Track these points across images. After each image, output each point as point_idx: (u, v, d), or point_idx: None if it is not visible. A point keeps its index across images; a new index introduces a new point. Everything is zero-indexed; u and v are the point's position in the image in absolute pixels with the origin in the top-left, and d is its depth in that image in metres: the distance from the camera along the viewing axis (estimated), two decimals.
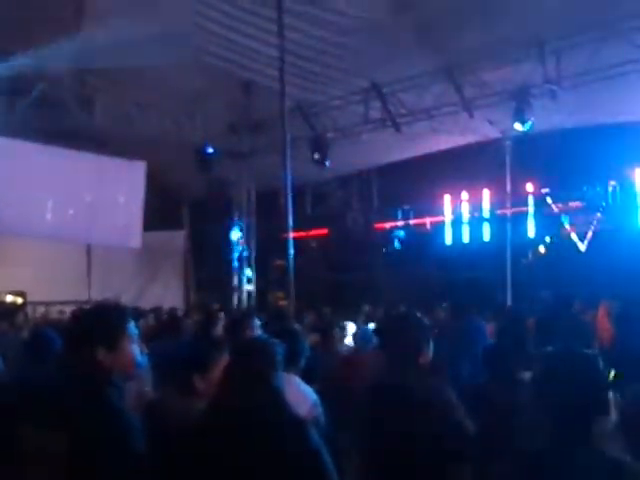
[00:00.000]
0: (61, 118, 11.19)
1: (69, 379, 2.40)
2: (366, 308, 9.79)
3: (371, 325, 7.23)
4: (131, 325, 2.58)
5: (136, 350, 2.56)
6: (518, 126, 10.57)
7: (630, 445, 2.08)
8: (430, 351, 3.48)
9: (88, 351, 2.43)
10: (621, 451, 2.06)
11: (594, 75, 9.69)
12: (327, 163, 12.92)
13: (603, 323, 8.10)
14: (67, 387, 2.36)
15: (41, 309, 13.20)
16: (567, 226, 14.81)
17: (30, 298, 13.97)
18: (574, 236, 14.69)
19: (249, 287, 15.08)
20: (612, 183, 13.99)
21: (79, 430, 2.24)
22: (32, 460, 2.27)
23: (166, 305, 12.79)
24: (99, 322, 2.54)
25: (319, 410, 3.50)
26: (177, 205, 17.00)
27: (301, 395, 3.40)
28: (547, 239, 15.11)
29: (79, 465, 2.24)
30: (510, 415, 3.61)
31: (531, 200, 15.12)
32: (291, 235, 9.79)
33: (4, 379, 3.97)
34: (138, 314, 10.31)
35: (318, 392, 3.68)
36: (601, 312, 8.56)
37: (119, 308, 2.73)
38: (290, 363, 3.13)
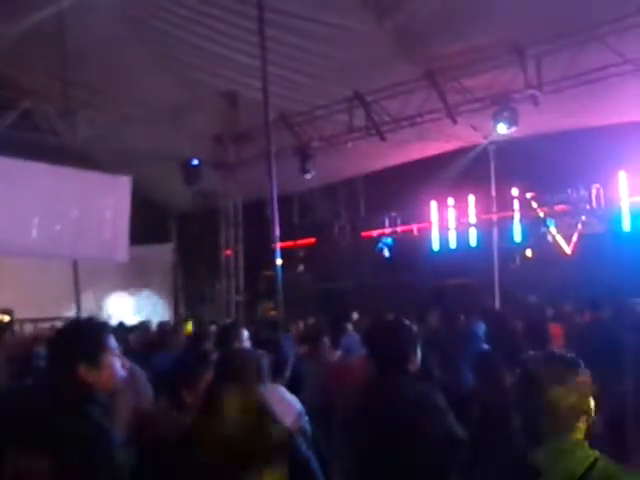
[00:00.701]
0: (45, 133, 11.17)
1: (51, 397, 2.37)
2: (354, 316, 9.79)
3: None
4: (111, 339, 2.54)
5: (117, 364, 2.53)
6: (502, 128, 10.63)
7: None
8: (418, 357, 3.49)
9: (69, 368, 2.40)
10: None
11: (575, 79, 9.78)
12: (312, 172, 12.96)
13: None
14: (49, 406, 2.33)
15: (29, 327, 13.09)
16: (553, 229, 14.89)
17: (17, 315, 13.84)
18: (560, 239, 14.78)
19: (238, 298, 15.04)
20: (596, 186, 14.09)
21: (62, 449, 2.21)
22: None
23: (156, 318, 12.74)
24: (78, 338, 2.50)
25: (305, 419, 3.50)
26: (164, 218, 16.97)
27: (286, 405, 3.40)
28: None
29: None
30: (499, 420, 3.62)
31: (516, 204, 15.21)
32: (279, 245, 9.79)
33: None
34: (127, 329, 10.29)
35: (306, 401, 3.68)
36: (587, 316, 8.61)
37: (97, 322, 2.70)
38: (275, 373, 3.14)
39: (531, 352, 2.27)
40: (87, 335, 2.50)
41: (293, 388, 3.71)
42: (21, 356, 4.61)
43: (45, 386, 2.48)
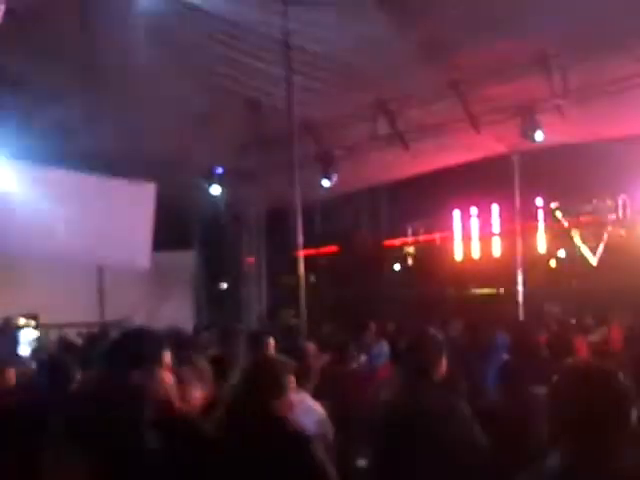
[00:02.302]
0: (70, 138, 11.31)
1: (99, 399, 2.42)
2: (373, 326, 9.70)
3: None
4: (167, 355, 2.61)
5: (168, 379, 2.59)
6: (539, 136, 10.51)
7: None
8: (444, 366, 3.48)
9: (123, 374, 2.48)
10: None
11: (601, 89, 9.70)
12: (335, 180, 12.97)
13: (616, 337, 8.07)
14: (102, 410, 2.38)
15: (54, 332, 13.22)
16: (578, 240, 14.75)
17: (42, 320, 14.01)
18: (585, 250, 14.63)
19: (260, 305, 15.10)
20: (622, 196, 13.94)
21: (104, 450, 2.26)
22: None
23: (177, 325, 12.79)
24: (139, 346, 2.58)
25: (327, 426, 3.50)
26: (187, 225, 17.07)
27: (310, 411, 3.41)
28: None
29: None
30: (524, 431, 3.59)
31: (541, 215, 15.09)
32: (301, 253, 9.81)
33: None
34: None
35: (330, 409, 3.68)
36: (614, 326, 8.53)
37: (157, 335, 2.75)
38: (300, 380, 3.14)
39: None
40: (146, 346, 2.58)
41: (317, 395, 3.71)
42: (51, 364, 4.64)
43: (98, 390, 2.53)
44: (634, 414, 2.00)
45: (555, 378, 2.13)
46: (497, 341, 7.40)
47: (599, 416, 1.97)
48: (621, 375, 2.06)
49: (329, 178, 12.89)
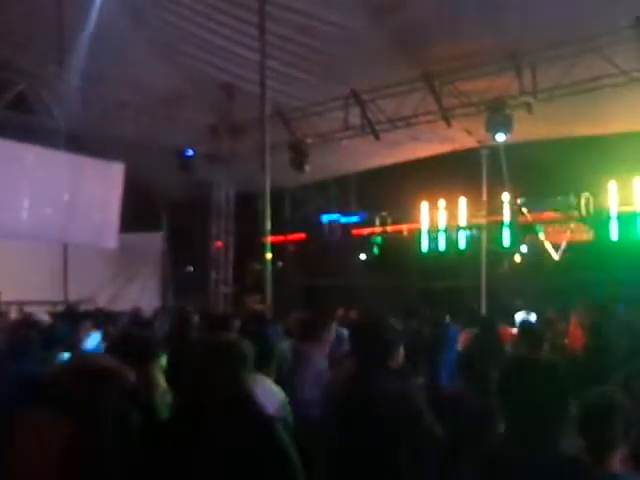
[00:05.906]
0: (40, 116, 11.15)
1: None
2: (340, 312, 9.81)
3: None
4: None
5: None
6: (500, 137, 10.66)
7: (588, 447, 2.15)
8: (400, 355, 3.56)
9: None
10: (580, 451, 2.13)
11: (569, 88, 9.87)
12: (306, 168, 12.98)
13: (575, 332, 8.24)
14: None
15: (14, 309, 13.04)
16: (541, 236, 15.00)
17: (3, 298, 13.81)
18: (548, 246, 14.88)
19: (226, 290, 15.07)
20: (586, 194, 14.20)
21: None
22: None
23: (143, 306, 12.72)
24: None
25: (287, 410, 3.56)
26: (155, 207, 16.96)
27: (270, 395, 3.46)
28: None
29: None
30: (480, 421, 3.68)
31: (506, 209, 15.30)
32: (269, 239, 9.84)
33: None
34: (112, 317, 10.20)
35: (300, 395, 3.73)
36: (573, 322, 8.71)
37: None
38: (261, 364, 3.19)
39: None
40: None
41: (279, 380, 3.76)
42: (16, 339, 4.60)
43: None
44: (572, 405, 2.10)
45: (504, 365, 2.22)
46: (451, 333, 7.54)
47: (540, 405, 2.06)
48: (562, 367, 2.16)
49: (300, 166, 12.86)
